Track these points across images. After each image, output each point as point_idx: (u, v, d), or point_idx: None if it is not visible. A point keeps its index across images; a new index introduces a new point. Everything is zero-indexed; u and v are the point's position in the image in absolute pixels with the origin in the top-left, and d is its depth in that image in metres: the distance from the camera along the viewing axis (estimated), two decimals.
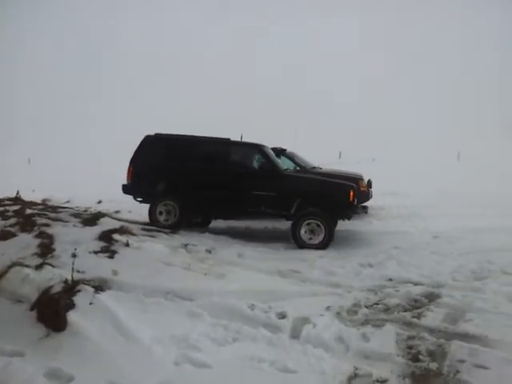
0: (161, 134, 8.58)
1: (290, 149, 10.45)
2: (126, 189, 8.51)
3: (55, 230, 6.69)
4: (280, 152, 8.43)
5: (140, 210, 10.23)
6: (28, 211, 8.22)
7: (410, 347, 3.74)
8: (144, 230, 7.46)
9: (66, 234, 6.45)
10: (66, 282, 4.35)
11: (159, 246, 6.46)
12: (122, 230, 6.73)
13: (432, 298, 4.88)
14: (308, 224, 7.33)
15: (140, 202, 8.66)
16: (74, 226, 7.20)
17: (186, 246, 6.79)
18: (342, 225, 8.13)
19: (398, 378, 3.27)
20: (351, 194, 7.43)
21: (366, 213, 7.94)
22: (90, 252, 5.80)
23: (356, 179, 9.02)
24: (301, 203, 7.59)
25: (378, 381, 3.24)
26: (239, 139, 9.00)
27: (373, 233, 7.87)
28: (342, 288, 5.25)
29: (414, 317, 4.36)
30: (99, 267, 5.21)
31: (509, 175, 15.14)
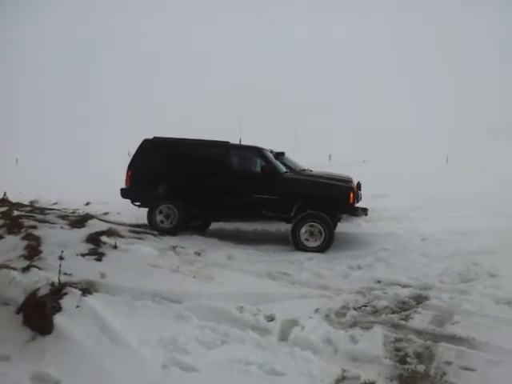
0: (159, 138, 8.51)
1: (287, 151, 10.42)
2: (125, 193, 8.41)
3: (42, 232, 6.64)
4: (278, 155, 8.39)
5: (129, 212, 10.19)
6: (15, 213, 8.14)
7: (398, 349, 3.75)
8: (132, 232, 7.43)
9: (53, 236, 6.40)
10: (52, 284, 4.31)
11: (147, 248, 6.43)
12: (109, 232, 6.70)
13: (420, 300, 4.92)
14: (308, 227, 7.30)
15: (138, 206, 8.56)
16: (62, 227, 7.16)
17: (174, 248, 6.78)
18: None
19: (385, 380, 3.28)
20: (351, 195, 7.42)
21: (366, 214, 7.89)
22: (77, 254, 5.77)
23: (345, 181, 9.01)
24: (301, 206, 7.54)
25: (365, 383, 3.25)
26: (238, 142, 8.93)
27: (361, 235, 7.90)
28: (330, 290, 5.26)
29: (401, 319, 4.38)
30: (87, 270, 5.17)
31: (496, 177, 15.30)
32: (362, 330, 4.12)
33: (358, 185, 9.88)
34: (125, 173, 8.32)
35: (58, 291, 4.18)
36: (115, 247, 6.09)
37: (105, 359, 3.42)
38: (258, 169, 7.95)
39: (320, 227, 7.23)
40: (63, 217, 8.47)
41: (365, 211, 7.78)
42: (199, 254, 6.64)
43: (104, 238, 6.36)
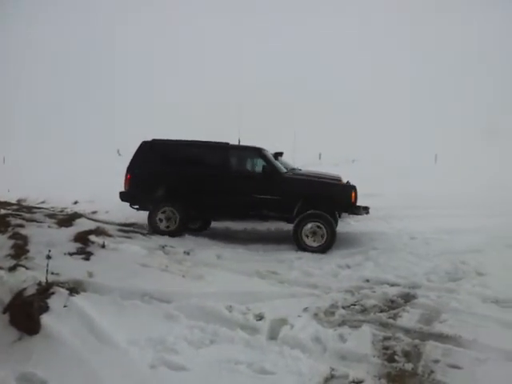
0: (158, 140, 8.43)
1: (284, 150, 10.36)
2: (124, 196, 8.33)
3: (30, 230, 6.58)
4: (277, 155, 8.36)
5: (117, 211, 10.13)
6: (2, 211, 8.08)
7: (386, 348, 3.77)
8: (121, 231, 7.40)
9: (40, 235, 6.34)
10: (39, 284, 4.28)
11: (136, 247, 6.40)
12: (98, 231, 6.66)
13: (408, 298, 4.95)
14: (310, 226, 7.28)
15: (137, 209, 8.48)
16: (49, 226, 7.10)
17: (163, 247, 6.75)
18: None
19: (373, 378, 3.30)
20: (353, 194, 7.43)
21: (367, 213, 7.86)
22: (65, 253, 5.72)
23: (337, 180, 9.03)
24: (302, 205, 7.53)
25: (354, 382, 3.26)
26: (237, 142, 8.88)
27: (351, 234, 7.93)
28: (319, 289, 5.28)
29: (390, 317, 4.41)
30: (74, 269, 5.13)
31: (484, 177, 15.46)
32: (350, 328, 4.14)
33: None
34: (123, 175, 8.24)
35: (45, 291, 4.15)
36: (103, 246, 6.05)
37: (93, 359, 3.39)
38: (259, 169, 7.90)
39: (322, 227, 7.22)
40: (51, 215, 8.41)
41: (366, 209, 7.77)
42: (188, 254, 6.62)
43: (92, 237, 6.32)
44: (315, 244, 7.22)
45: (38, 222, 7.45)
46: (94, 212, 10.58)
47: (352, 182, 8.68)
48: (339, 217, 8.04)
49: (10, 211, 8.27)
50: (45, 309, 3.86)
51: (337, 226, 7.89)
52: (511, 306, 4.61)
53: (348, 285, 5.43)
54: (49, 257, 4.69)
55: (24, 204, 11.70)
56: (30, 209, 9.50)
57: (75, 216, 8.08)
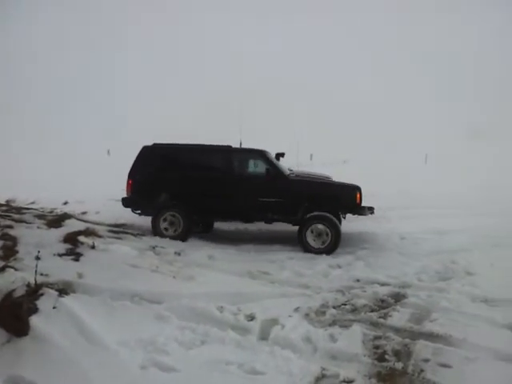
0: (159, 144, 8.35)
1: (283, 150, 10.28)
2: (127, 202, 8.24)
3: (19, 231, 6.53)
4: (278, 156, 8.33)
5: (107, 212, 10.08)
6: None
7: (377, 347, 3.79)
8: (111, 231, 7.36)
9: (29, 236, 6.29)
10: (28, 285, 4.23)
11: (126, 248, 6.37)
12: (87, 232, 6.61)
13: (398, 298, 4.98)
14: (314, 228, 7.24)
15: (139, 214, 8.38)
16: (39, 227, 7.05)
17: (154, 248, 6.73)
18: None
19: (364, 377, 3.31)
20: (358, 195, 7.40)
21: (372, 213, 7.82)
22: (54, 254, 5.68)
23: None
24: (307, 207, 7.48)
25: (344, 381, 3.26)
26: (238, 145, 8.79)
27: (343, 234, 7.93)
28: (310, 289, 5.29)
29: (380, 317, 4.43)
30: (64, 270, 5.08)
31: (474, 178, 15.60)
32: (341, 328, 4.15)
33: None
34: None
35: (34, 292, 4.10)
36: (93, 247, 6.01)
37: (82, 361, 3.36)
38: (262, 172, 7.79)
39: (326, 228, 7.18)
40: (40, 216, 8.34)
41: (371, 210, 7.73)
42: (179, 254, 6.60)
43: (82, 238, 6.27)
44: (320, 246, 7.17)
45: (27, 222, 7.38)
46: (84, 213, 10.49)
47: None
48: (344, 217, 8.00)
49: None
50: (34, 310, 3.82)
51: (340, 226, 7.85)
52: (500, 305, 4.66)
53: (339, 285, 5.45)
54: (38, 258, 4.65)
55: (13, 205, 11.57)
56: (19, 209, 9.41)
57: (65, 217, 8.02)
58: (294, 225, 7.72)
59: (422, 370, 3.37)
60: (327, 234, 7.17)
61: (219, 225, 9.21)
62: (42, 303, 3.93)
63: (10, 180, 15.52)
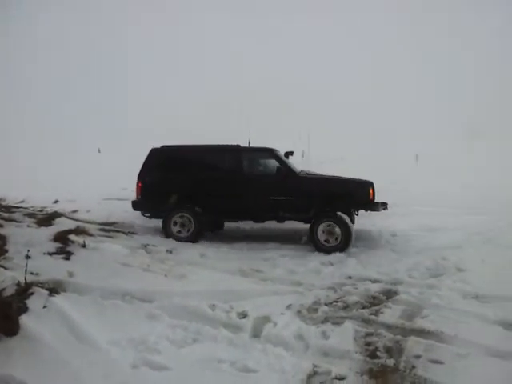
0: (168, 146, 8.27)
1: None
2: (136, 205, 8.15)
3: (8, 230, 6.49)
4: (287, 154, 8.27)
5: (98, 210, 10.02)
6: None
7: (368, 344, 3.79)
8: (102, 230, 7.32)
9: (19, 235, 6.26)
10: (18, 284, 4.21)
11: (117, 246, 6.34)
12: (78, 231, 6.58)
13: (390, 295, 4.99)
14: (325, 226, 7.17)
15: (149, 217, 8.28)
16: (29, 226, 7.01)
17: (145, 246, 6.70)
18: (301, 224, 8.13)
19: (355, 374, 3.31)
20: (371, 191, 7.33)
21: (385, 209, 7.73)
22: (44, 253, 5.65)
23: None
24: (319, 205, 7.42)
25: (336, 378, 3.26)
26: (246, 144, 8.69)
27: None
28: (303, 286, 5.29)
29: (372, 314, 4.43)
30: (54, 269, 5.06)
31: (464, 176, 15.72)
32: (333, 325, 4.15)
33: None
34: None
35: (24, 291, 4.08)
36: (84, 246, 5.98)
37: (73, 360, 3.33)
38: (272, 170, 7.73)
39: (337, 226, 7.10)
40: (30, 215, 8.29)
41: (384, 205, 7.65)
42: (171, 252, 6.58)
43: (72, 237, 6.24)
44: (332, 244, 7.10)
45: (16, 221, 7.34)
46: (75, 211, 10.43)
47: None
48: (356, 214, 7.93)
49: None
50: (24, 309, 3.79)
51: (354, 223, 7.79)
52: (491, 301, 4.68)
53: (331, 282, 5.45)
54: (28, 257, 4.62)
55: (3, 203, 11.50)
56: (8, 208, 9.35)
57: (55, 215, 7.97)
58: (306, 223, 7.64)
59: (413, 367, 3.38)
60: (338, 232, 7.09)
61: None
62: (32, 302, 3.90)
63: None
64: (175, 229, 7.75)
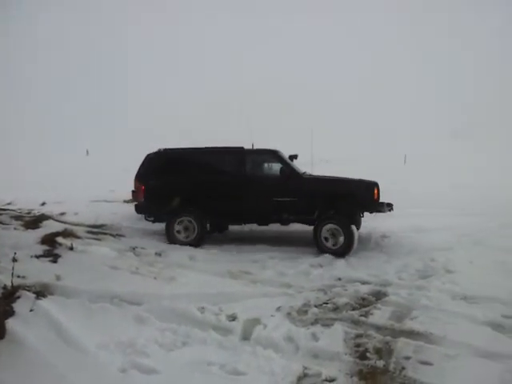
0: (171, 149, 8.17)
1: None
2: (139, 209, 8.01)
3: None
4: (291, 158, 8.20)
5: (86, 212, 9.93)
6: None
7: (358, 345, 3.79)
8: (90, 232, 7.25)
9: (6, 238, 6.18)
10: (5, 287, 4.17)
11: (105, 249, 6.29)
12: (66, 233, 6.52)
13: (379, 296, 5.00)
14: (328, 228, 7.08)
15: (152, 221, 8.15)
16: (16, 228, 6.93)
17: (134, 249, 6.66)
18: (290, 226, 8.13)
19: (346, 376, 3.31)
20: (375, 191, 7.25)
21: (390, 210, 7.61)
22: (31, 256, 5.58)
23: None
24: (323, 206, 7.33)
25: (326, 380, 3.26)
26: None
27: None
28: (292, 288, 5.28)
29: (361, 315, 4.44)
30: (41, 272, 5.00)
31: (456, 177, 15.86)
32: (322, 327, 4.15)
33: None
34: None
35: (10, 294, 4.04)
36: (71, 248, 5.92)
37: (60, 364, 3.29)
38: (276, 172, 7.66)
39: (339, 229, 6.99)
40: (17, 217, 8.19)
41: (390, 206, 7.57)
42: (160, 255, 6.54)
43: (60, 239, 6.18)
44: (335, 246, 7.01)
45: (3, 223, 7.24)
46: (63, 213, 10.32)
47: None
48: (362, 216, 7.85)
49: None
50: (10, 313, 3.75)
51: (359, 226, 7.74)
52: (479, 302, 4.71)
53: (320, 284, 5.46)
54: (15, 259, 4.56)
55: None
56: None
57: (42, 218, 7.88)
58: (310, 225, 7.55)
59: (403, 368, 3.39)
60: (341, 235, 7.00)
61: None
62: (18, 306, 3.87)
63: None
64: (178, 233, 7.62)
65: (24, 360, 3.32)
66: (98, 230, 7.69)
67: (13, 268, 4.32)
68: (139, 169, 8.23)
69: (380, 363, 3.47)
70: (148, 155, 8.01)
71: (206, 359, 3.48)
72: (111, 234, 7.47)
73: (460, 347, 3.65)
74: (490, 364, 3.39)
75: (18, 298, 3.98)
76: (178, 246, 7.31)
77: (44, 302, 4.01)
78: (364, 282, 5.49)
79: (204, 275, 5.69)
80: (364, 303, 4.81)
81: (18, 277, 4.50)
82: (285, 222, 7.78)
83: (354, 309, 4.64)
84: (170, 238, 7.61)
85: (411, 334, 3.97)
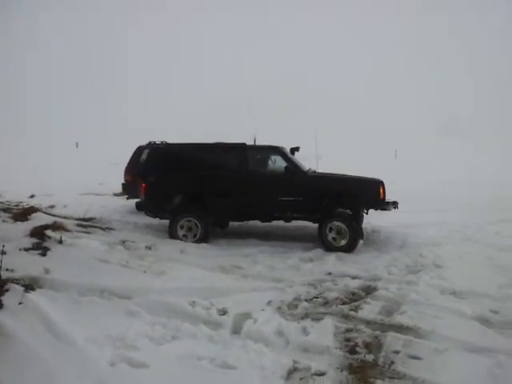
0: (172, 145, 8.02)
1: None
2: (141, 207, 7.82)
3: None
4: (293, 150, 8.07)
5: (76, 205, 9.87)
6: None
7: (348, 339, 3.81)
8: (79, 225, 7.19)
9: None
10: None
11: (95, 242, 6.24)
12: (55, 226, 6.45)
13: (369, 291, 5.03)
14: (332, 226, 7.00)
15: (153, 217, 7.98)
16: (4, 221, 6.87)
17: (124, 242, 6.61)
18: (280, 221, 8.10)
19: (335, 370, 3.32)
20: (381, 190, 7.15)
21: (395, 208, 7.48)
22: (20, 249, 5.53)
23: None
24: (328, 204, 7.21)
25: (316, 374, 3.27)
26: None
27: (313, 228, 7.97)
28: (283, 283, 5.29)
29: (351, 310, 4.46)
30: (30, 265, 4.96)
31: (446, 173, 15.98)
32: (313, 321, 4.17)
33: None
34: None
35: None
36: (61, 242, 5.86)
37: (49, 358, 3.27)
38: (279, 169, 7.52)
39: (344, 226, 6.93)
40: (6, 210, 8.11)
41: (395, 204, 7.46)
42: (150, 249, 6.50)
43: (49, 232, 6.12)
44: (339, 243, 6.94)
45: None
46: (52, 206, 10.25)
47: None
48: (366, 213, 7.72)
49: None
50: None
51: (362, 222, 7.67)
52: (468, 297, 4.76)
53: (311, 278, 5.47)
54: (3, 252, 4.51)
55: None
56: None
57: (31, 210, 7.79)
58: (314, 223, 7.46)
59: (392, 362, 3.41)
60: (346, 232, 6.94)
61: None
62: (7, 299, 3.83)
63: None
64: (181, 231, 7.43)
65: (13, 353, 3.29)
66: (88, 223, 7.63)
67: (1, 261, 4.28)
68: (129, 161, 8.18)
69: (369, 357, 3.49)
70: (139, 147, 7.91)
71: (196, 353, 3.48)
72: (101, 228, 7.41)
73: (449, 342, 3.68)
74: (478, 358, 3.43)
75: (7, 291, 3.94)
76: (168, 239, 7.27)
77: (33, 296, 3.98)
78: (354, 277, 5.51)
79: (195, 269, 5.67)
80: (354, 298, 4.84)
81: (7, 270, 4.46)
82: (288, 220, 7.66)
83: (344, 303, 4.66)
84: (173, 237, 7.42)
85: (400, 329, 4.00)
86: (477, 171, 17.29)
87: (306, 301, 4.71)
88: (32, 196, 12.12)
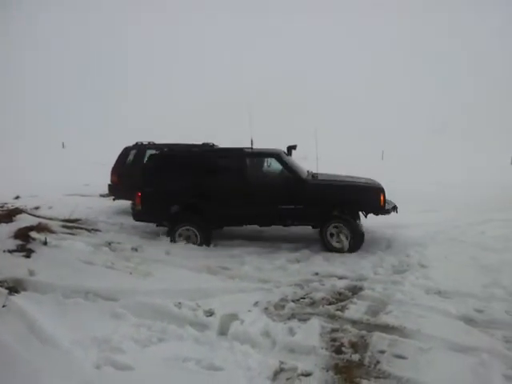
0: (168, 151, 7.85)
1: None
2: (138, 217, 7.54)
3: None
4: (290, 149, 7.94)
5: (61, 207, 9.77)
6: None
7: (334, 339, 3.83)
8: (64, 227, 7.12)
9: None
10: None
11: (80, 244, 6.19)
12: (39, 228, 6.39)
13: (355, 291, 5.05)
14: (334, 228, 6.97)
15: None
16: None
17: (109, 244, 6.57)
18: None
19: (321, 370, 3.34)
20: (382, 198, 7.09)
21: (396, 212, 7.46)
22: (4, 251, 5.48)
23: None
24: (328, 212, 7.10)
25: (302, 374, 3.28)
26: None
27: (299, 229, 7.99)
28: (270, 283, 5.29)
29: (338, 310, 4.48)
30: (14, 267, 4.91)
31: (432, 174, 16.11)
32: (299, 321, 4.18)
33: None
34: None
35: None
36: (45, 243, 5.81)
37: (34, 360, 3.24)
38: (278, 174, 7.40)
39: (345, 229, 6.91)
40: None
41: (395, 209, 7.46)
42: (136, 250, 6.47)
43: (33, 234, 6.06)
44: (342, 245, 6.88)
45: None
46: (37, 207, 10.13)
47: None
48: (365, 217, 7.58)
49: None
50: None
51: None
52: (453, 297, 4.80)
53: (298, 279, 5.47)
54: None
55: None
56: None
57: (16, 211, 7.71)
58: (314, 228, 7.43)
59: (378, 362, 3.43)
60: (347, 234, 6.91)
61: None
62: None
63: None
64: (180, 240, 7.24)
65: None
66: (73, 225, 7.56)
67: None
68: (116, 162, 8.07)
69: (355, 357, 3.51)
70: (126, 148, 7.78)
71: (182, 355, 3.47)
72: (86, 229, 7.35)
73: (433, 341, 3.72)
74: (462, 357, 3.47)
75: None
76: (154, 241, 7.23)
77: (17, 298, 3.95)
78: (341, 277, 5.53)
79: (181, 270, 5.65)
80: (340, 298, 4.86)
81: None
82: (288, 226, 7.54)
83: (330, 303, 4.68)
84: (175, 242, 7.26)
85: (386, 328, 4.03)
86: (477, 171, 17.48)
87: (293, 301, 4.72)
88: (17, 197, 11.96)
